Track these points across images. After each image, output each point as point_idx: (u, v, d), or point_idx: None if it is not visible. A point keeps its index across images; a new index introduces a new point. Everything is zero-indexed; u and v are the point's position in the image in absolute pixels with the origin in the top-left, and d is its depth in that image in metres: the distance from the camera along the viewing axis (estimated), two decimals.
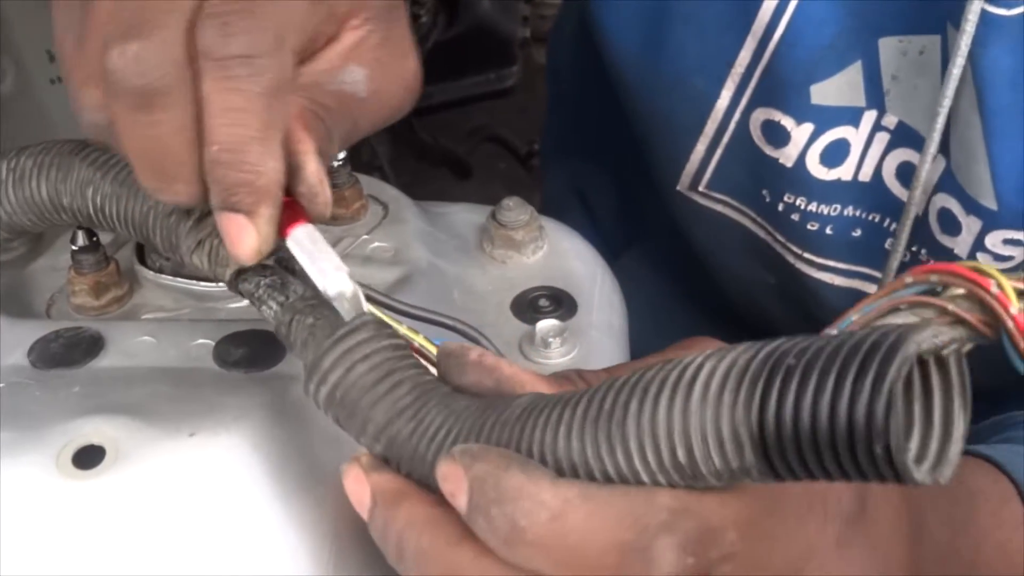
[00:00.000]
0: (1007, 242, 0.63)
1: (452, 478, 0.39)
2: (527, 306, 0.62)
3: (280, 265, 0.49)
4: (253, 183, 0.43)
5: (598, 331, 0.61)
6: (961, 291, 0.35)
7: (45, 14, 0.48)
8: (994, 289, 0.34)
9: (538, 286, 0.62)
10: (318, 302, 0.46)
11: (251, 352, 0.51)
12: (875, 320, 0.36)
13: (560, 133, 1.00)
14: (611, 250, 0.90)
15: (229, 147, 0.43)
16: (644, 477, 0.37)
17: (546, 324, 0.59)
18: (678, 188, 0.76)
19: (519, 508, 0.37)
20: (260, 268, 0.48)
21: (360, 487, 0.42)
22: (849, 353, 0.33)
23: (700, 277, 0.85)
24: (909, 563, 0.44)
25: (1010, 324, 0.34)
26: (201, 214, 0.50)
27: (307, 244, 0.46)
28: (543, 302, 0.62)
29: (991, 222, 0.63)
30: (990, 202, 0.62)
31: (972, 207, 0.63)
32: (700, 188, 0.75)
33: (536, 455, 0.39)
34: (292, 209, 0.46)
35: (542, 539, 0.37)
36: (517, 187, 1.23)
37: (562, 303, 0.62)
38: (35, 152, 0.54)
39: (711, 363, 0.35)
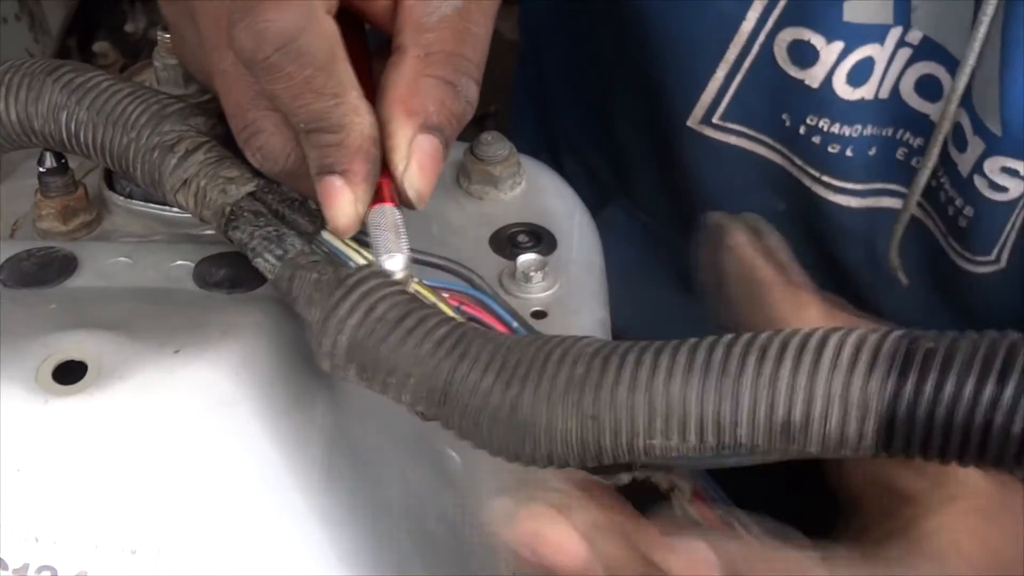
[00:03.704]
0: (1004, 170, 0.64)
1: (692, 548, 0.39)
2: (506, 241, 0.60)
3: (272, 214, 0.47)
4: (342, 141, 0.44)
5: (578, 267, 0.60)
6: None
7: None
8: None
9: (516, 222, 0.61)
10: (319, 257, 0.45)
11: (233, 273, 0.49)
12: None
13: (529, 96, 0.98)
14: None
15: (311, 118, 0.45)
16: (742, 433, 0.36)
17: (527, 258, 0.58)
18: (688, 123, 0.75)
19: None
20: (253, 216, 0.46)
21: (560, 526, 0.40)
22: (990, 350, 0.34)
23: (686, 232, 0.84)
24: None
25: None
26: (186, 151, 0.48)
27: (383, 224, 0.46)
28: (522, 238, 0.60)
29: (992, 147, 0.63)
30: (995, 126, 0.63)
31: (979, 127, 0.64)
32: (714, 120, 0.74)
33: (624, 390, 0.37)
34: (387, 187, 0.46)
35: None
36: None
37: (541, 239, 0.60)
38: (2, 71, 0.52)
39: (837, 335, 0.36)
